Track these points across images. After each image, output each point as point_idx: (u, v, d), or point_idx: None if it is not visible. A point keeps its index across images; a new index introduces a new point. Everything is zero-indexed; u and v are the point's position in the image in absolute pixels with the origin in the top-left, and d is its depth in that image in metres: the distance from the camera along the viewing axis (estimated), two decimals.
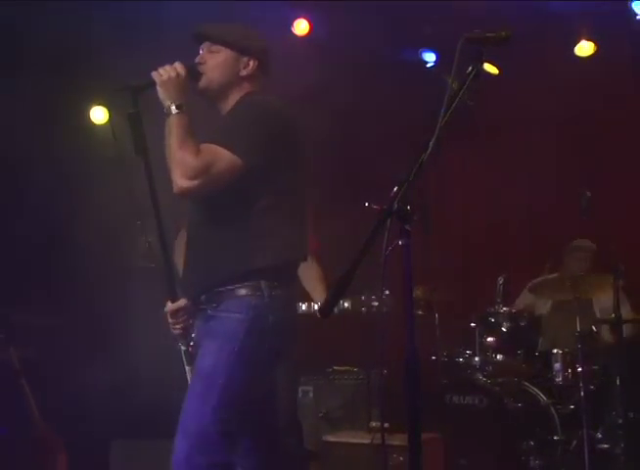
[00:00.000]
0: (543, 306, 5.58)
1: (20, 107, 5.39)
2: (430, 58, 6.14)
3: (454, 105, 2.45)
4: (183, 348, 3.14)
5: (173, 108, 2.98)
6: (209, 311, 2.99)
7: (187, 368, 3.12)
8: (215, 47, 3.16)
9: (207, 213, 3.03)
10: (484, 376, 5.03)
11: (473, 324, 5.11)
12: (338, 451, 4.73)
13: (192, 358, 3.09)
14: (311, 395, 5.70)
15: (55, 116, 5.84)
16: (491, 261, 6.04)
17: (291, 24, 6.17)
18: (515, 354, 5.09)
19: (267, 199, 3.00)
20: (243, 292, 2.95)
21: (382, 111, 6.16)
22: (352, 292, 4.63)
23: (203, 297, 3.01)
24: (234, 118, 3.05)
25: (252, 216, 2.98)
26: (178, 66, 3.06)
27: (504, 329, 5.05)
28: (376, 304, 4.67)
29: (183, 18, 5.16)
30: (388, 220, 2.26)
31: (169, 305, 3.13)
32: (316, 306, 4.58)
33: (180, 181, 2.89)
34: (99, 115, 6.16)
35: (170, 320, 3.14)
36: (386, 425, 4.75)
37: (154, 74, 3.04)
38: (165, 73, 3.03)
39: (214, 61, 3.14)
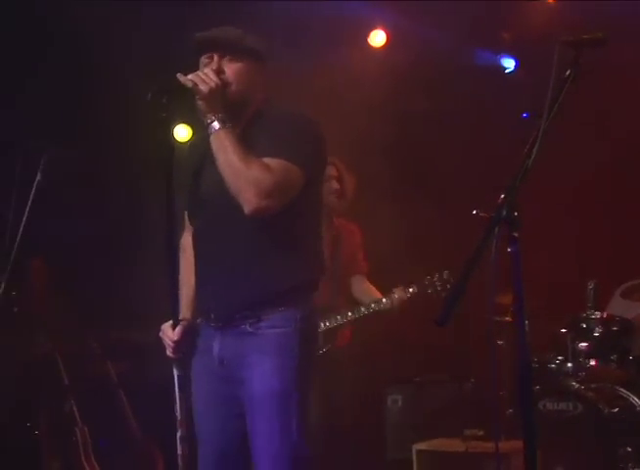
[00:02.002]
0: (635, 310, 5.46)
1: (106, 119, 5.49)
2: (509, 64, 6.09)
3: (555, 110, 2.42)
4: (177, 373, 2.98)
5: (221, 122, 2.78)
6: (248, 328, 2.87)
7: (178, 394, 2.96)
8: (232, 55, 2.90)
9: (248, 228, 2.85)
10: (578, 382, 4.93)
11: (563, 330, 5.02)
12: (430, 460, 4.70)
13: (185, 384, 2.97)
14: (400, 403, 5.67)
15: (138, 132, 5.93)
16: (577, 266, 5.95)
17: (366, 36, 6.19)
18: (608, 360, 4.97)
19: (306, 213, 2.96)
20: (287, 306, 2.88)
21: (458, 117, 6.12)
22: (416, 279, 4.64)
23: (237, 315, 2.88)
24: (286, 131, 2.87)
25: (295, 231, 2.94)
26: (213, 74, 2.82)
27: (596, 334, 4.94)
28: (439, 284, 4.60)
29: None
30: (497, 228, 2.24)
31: (172, 333, 2.94)
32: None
33: (256, 201, 2.74)
34: (182, 132, 6.23)
35: (171, 345, 2.95)
36: (480, 432, 4.77)
37: (197, 81, 2.77)
38: (210, 81, 2.78)
39: (236, 69, 2.90)
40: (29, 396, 4.66)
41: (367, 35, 6.15)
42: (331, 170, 4.58)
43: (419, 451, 4.71)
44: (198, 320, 3.03)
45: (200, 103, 2.80)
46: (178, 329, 2.94)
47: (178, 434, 2.95)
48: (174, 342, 2.93)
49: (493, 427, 4.17)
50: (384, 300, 4.62)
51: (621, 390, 4.87)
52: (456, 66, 5.99)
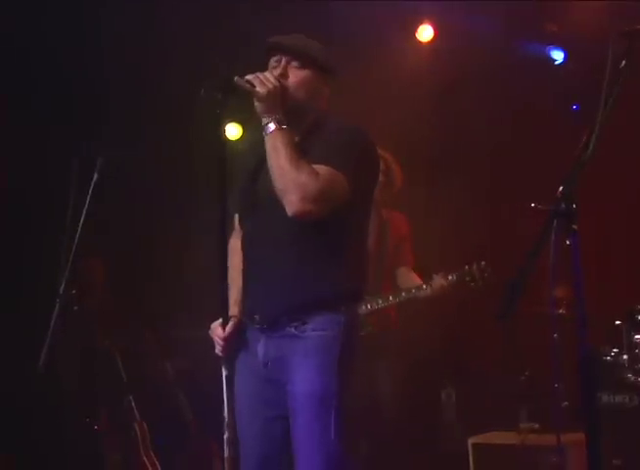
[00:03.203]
0: None
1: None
2: (558, 55, 6.02)
3: (612, 102, 2.39)
4: (226, 372, 2.93)
5: (277, 123, 2.80)
6: (293, 330, 2.89)
7: (225, 394, 2.89)
8: (299, 63, 2.94)
9: (299, 234, 2.87)
10: (634, 374, 4.86)
11: (618, 322, 4.95)
12: (486, 453, 4.66)
13: (231, 384, 2.90)
14: (454, 398, 5.65)
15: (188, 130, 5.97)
16: (631, 258, 5.87)
17: (415, 31, 6.16)
18: None
19: (355, 223, 2.99)
20: (331, 310, 2.89)
21: (506, 109, 6.07)
22: (455, 268, 4.68)
23: (283, 318, 2.89)
24: (342, 143, 2.90)
25: (343, 240, 2.95)
26: (272, 77, 2.85)
27: None
28: (477, 272, 4.65)
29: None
30: (555, 221, 2.22)
31: (221, 331, 2.92)
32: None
33: (300, 204, 2.76)
34: (233, 131, 6.25)
35: (220, 344, 2.94)
36: (535, 426, 4.72)
37: (256, 83, 2.80)
38: (268, 83, 2.81)
39: (299, 77, 2.93)
40: (89, 392, 4.71)
41: (415, 31, 6.12)
42: None
43: (475, 445, 4.68)
44: (244, 321, 3.04)
45: (257, 104, 2.82)
46: (228, 327, 2.93)
47: (225, 436, 2.91)
48: (224, 339, 2.93)
49: (553, 419, 4.12)
50: (424, 286, 4.70)
51: None
52: (504, 58, 5.93)
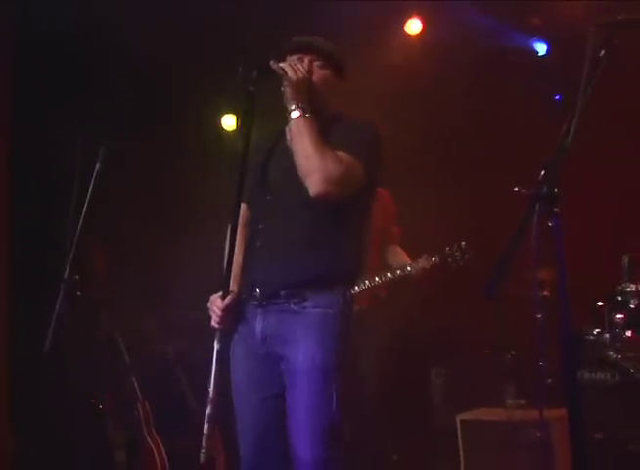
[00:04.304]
0: None
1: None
2: (541, 48, 6.04)
3: (591, 89, 2.41)
4: (218, 346, 2.95)
5: (302, 110, 2.90)
6: (292, 306, 2.94)
7: (214, 367, 2.93)
8: (322, 62, 3.07)
9: (307, 215, 2.96)
10: (614, 352, 4.91)
11: (600, 303, 4.99)
12: (474, 429, 4.70)
13: (223, 359, 2.94)
14: (444, 376, 5.68)
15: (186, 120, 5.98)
16: (612, 240, 5.90)
17: (403, 24, 6.17)
18: None
19: (360, 211, 3.10)
20: (331, 289, 2.96)
21: (492, 99, 6.09)
22: (436, 249, 4.76)
23: (283, 292, 2.94)
24: (358, 134, 3.02)
25: (349, 225, 3.05)
26: (303, 67, 2.97)
27: (632, 306, 4.90)
28: (458, 253, 4.73)
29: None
30: (538, 204, 2.25)
31: (221, 302, 2.96)
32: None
33: (321, 186, 2.85)
34: (229, 121, 6.26)
35: (219, 315, 2.97)
36: (521, 402, 4.77)
37: (288, 70, 2.91)
38: (300, 72, 2.93)
39: (321, 75, 3.05)
40: (94, 374, 4.73)
41: (404, 24, 6.13)
42: None
43: (463, 421, 4.72)
44: (242, 297, 3.06)
45: (286, 90, 2.92)
46: (227, 298, 2.97)
47: (207, 411, 2.93)
48: (222, 310, 2.96)
49: (537, 396, 4.16)
50: (408, 267, 4.77)
51: None
52: (490, 50, 5.95)
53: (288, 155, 2.98)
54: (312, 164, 2.86)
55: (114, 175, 3.89)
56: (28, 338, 4.19)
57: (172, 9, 5.43)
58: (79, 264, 3.82)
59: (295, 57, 3.05)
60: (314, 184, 2.86)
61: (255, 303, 3.00)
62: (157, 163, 5.85)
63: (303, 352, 2.91)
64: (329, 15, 5.34)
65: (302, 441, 2.89)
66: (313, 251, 2.96)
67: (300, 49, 3.08)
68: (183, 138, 5.91)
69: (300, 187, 2.90)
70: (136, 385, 4.81)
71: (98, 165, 3.80)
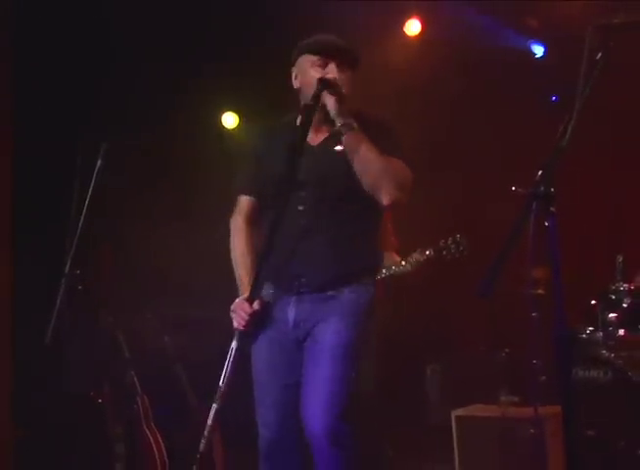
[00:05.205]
0: None
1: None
2: (538, 50, 6.03)
3: (588, 90, 2.40)
4: (235, 345, 3.04)
5: (353, 122, 2.96)
6: (331, 293, 3.05)
7: (229, 365, 3.00)
8: (347, 64, 3.09)
9: (351, 211, 3.07)
10: (607, 350, 4.89)
11: (593, 301, 4.98)
12: (469, 425, 4.69)
13: (239, 357, 3.02)
14: (439, 372, 5.67)
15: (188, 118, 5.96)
16: (606, 240, 5.90)
17: (402, 25, 6.15)
18: (636, 329, 4.91)
19: (381, 210, 3.17)
20: (365, 280, 3.12)
21: (490, 100, 6.07)
22: (431, 242, 4.75)
23: (327, 282, 3.05)
24: (392, 136, 3.11)
25: (377, 219, 3.22)
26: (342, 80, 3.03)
27: (625, 305, 4.88)
28: (453, 246, 4.72)
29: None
30: (534, 203, 2.24)
31: (249, 306, 3.03)
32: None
33: (396, 193, 2.96)
34: (230, 120, 6.24)
35: (245, 319, 3.04)
36: (515, 399, 4.76)
37: (339, 83, 2.98)
38: (345, 88, 3.01)
39: (346, 78, 3.07)
40: (94, 368, 4.72)
41: (403, 25, 6.11)
42: None
43: (458, 417, 4.71)
44: (270, 291, 3.14)
45: (337, 105, 2.97)
46: (256, 304, 3.06)
47: (214, 406, 3.02)
48: (251, 314, 3.03)
49: (531, 393, 4.15)
50: (403, 263, 4.77)
51: None
52: (487, 51, 5.94)
53: (318, 154, 3.07)
54: (383, 173, 2.95)
55: (114, 173, 3.87)
56: (30, 332, 4.18)
57: (170, 7, 5.40)
58: (81, 260, 3.82)
59: (316, 58, 3.07)
60: (388, 194, 2.96)
61: (291, 293, 3.09)
62: (157, 161, 5.83)
63: (332, 331, 3.02)
64: (328, 15, 5.31)
65: (318, 413, 2.96)
66: (355, 245, 3.09)
67: (323, 51, 3.08)
68: (184, 136, 5.88)
69: (342, 186, 3.01)
70: (135, 379, 4.80)
71: (99, 162, 3.80)
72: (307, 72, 3.08)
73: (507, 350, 5.51)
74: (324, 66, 3.06)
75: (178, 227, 5.74)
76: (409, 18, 6.10)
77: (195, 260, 5.58)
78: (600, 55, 2.44)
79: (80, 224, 3.74)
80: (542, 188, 2.22)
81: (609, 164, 5.92)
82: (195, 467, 3.05)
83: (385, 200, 2.97)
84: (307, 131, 2.96)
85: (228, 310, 3.11)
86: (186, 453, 4.55)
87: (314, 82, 2.98)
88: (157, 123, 5.71)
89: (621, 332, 4.94)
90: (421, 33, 6.09)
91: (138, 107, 5.66)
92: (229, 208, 3.27)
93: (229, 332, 3.10)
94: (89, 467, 4.31)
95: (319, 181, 3.06)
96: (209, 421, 3.02)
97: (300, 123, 3.00)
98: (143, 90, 5.67)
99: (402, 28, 6.15)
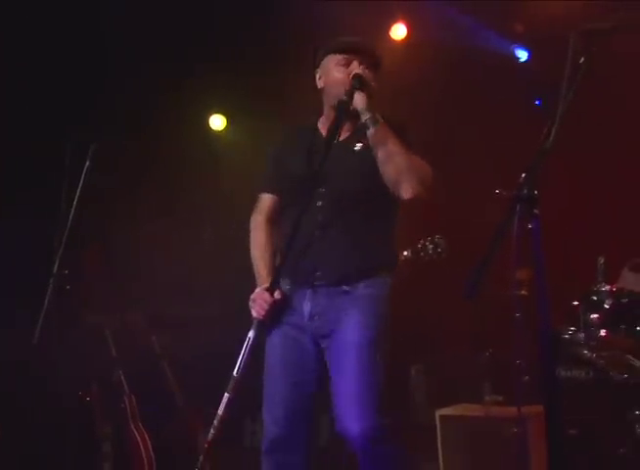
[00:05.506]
0: None
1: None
2: (522, 55, 6.06)
3: (571, 94, 2.43)
4: (252, 334, 3.06)
5: (379, 117, 3.00)
6: (345, 287, 3.07)
7: (245, 354, 3.01)
8: (372, 64, 3.13)
9: (370, 207, 3.12)
10: (589, 350, 4.93)
11: (575, 302, 5.01)
12: (453, 424, 4.71)
13: (255, 347, 3.04)
14: (423, 373, 5.69)
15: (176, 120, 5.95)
16: (588, 241, 5.93)
17: (388, 29, 6.17)
18: (617, 329, 4.95)
19: (396, 203, 3.17)
20: (384, 275, 3.14)
21: (475, 103, 6.10)
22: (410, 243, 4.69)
23: (345, 276, 3.08)
24: (410, 135, 3.12)
25: (394, 218, 3.24)
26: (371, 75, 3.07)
27: (606, 306, 4.91)
28: (431, 247, 4.66)
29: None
30: (518, 205, 2.26)
31: (269, 296, 3.06)
32: None
33: (418, 187, 3.00)
34: (217, 122, 6.24)
35: (265, 308, 3.06)
36: (499, 399, 4.78)
37: (367, 79, 3.01)
38: (374, 83, 3.05)
39: (371, 77, 3.09)
40: (81, 367, 4.71)
41: (389, 29, 6.13)
42: None
43: (442, 417, 4.72)
44: (287, 287, 3.15)
45: (365, 99, 3.00)
46: (277, 294, 3.08)
47: (227, 396, 3.01)
48: (270, 304, 3.05)
49: (515, 393, 4.17)
50: None
51: (630, 357, 4.87)
52: (472, 55, 5.96)
53: (340, 151, 3.05)
54: (405, 168, 2.99)
55: (102, 173, 3.87)
56: (16, 330, 4.17)
57: (159, 7, 5.40)
58: (70, 259, 3.82)
59: (341, 57, 3.11)
60: (411, 188, 3.00)
61: (307, 286, 3.10)
62: (143, 161, 5.82)
63: (352, 326, 3.03)
64: (313, 20, 5.34)
65: (350, 411, 2.97)
66: (371, 241, 3.13)
67: (347, 50, 3.12)
68: (171, 138, 5.88)
69: (360, 183, 3.07)
70: (123, 378, 4.80)
71: (88, 163, 3.80)
72: (331, 72, 3.14)
73: (491, 350, 5.54)
74: (347, 65, 3.10)
75: (165, 227, 5.74)
76: (395, 22, 6.10)
77: (182, 260, 5.57)
78: (583, 60, 2.46)
79: (69, 224, 3.74)
80: (526, 191, 2.24)
81: (591, 167, 5.96)
82: (201, 457, 3.05)
83: (407, 194, 3.00)
84: (340, 126, 2.99)
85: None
86: (173, 451, 4.58)
87: (338, 81, 3.06)
88: (145, 124, 5.71)
89: (603, 332, 4.97)
90: (407, 37, 6.10)
91: (126, 107, 5.66)
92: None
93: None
94: (77, 466, 4.30)
95: (339, 178, 3.09)
96: (220, 411, 3.01)
97: (334, 119, 3.02)
98: (131, 91, 5.66)
99: (388, 33, 6.15)
